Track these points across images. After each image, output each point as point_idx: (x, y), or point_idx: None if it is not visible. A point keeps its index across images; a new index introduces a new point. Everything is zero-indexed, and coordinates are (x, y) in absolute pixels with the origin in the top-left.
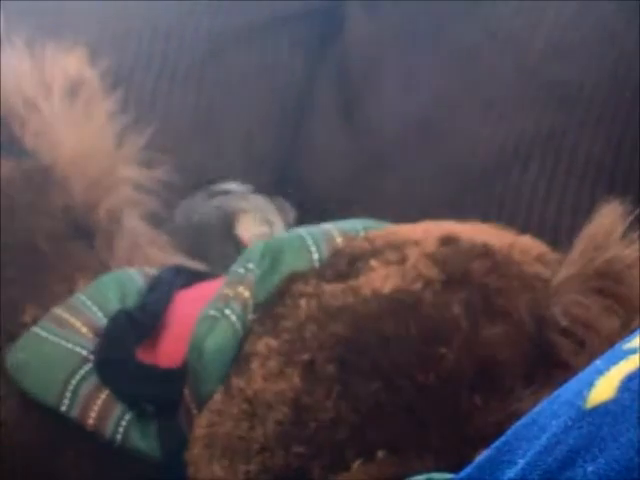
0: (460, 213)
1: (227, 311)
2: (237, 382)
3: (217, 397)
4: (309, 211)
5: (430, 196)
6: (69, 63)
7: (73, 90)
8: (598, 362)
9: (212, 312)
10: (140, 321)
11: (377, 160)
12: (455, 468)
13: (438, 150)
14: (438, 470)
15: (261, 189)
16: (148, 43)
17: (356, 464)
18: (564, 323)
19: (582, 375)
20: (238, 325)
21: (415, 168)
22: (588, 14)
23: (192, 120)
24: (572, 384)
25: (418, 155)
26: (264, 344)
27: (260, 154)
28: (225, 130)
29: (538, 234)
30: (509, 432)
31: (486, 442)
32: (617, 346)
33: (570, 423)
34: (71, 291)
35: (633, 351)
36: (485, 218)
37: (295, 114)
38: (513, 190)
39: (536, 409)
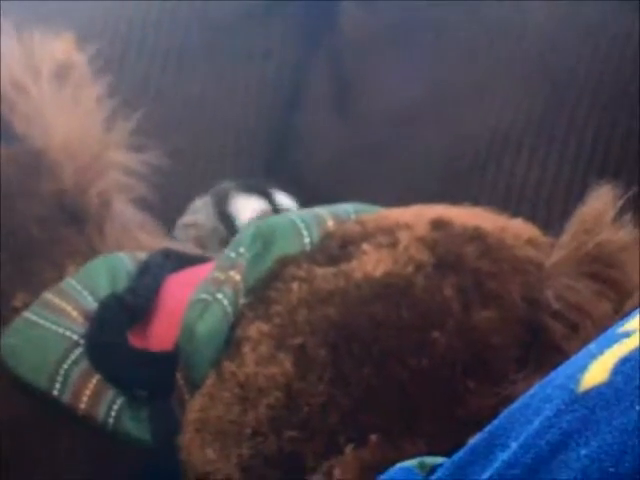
0: (452, 200)
1: (219, 295)
2: (229, 366)
3: (209, 381)
4: (301, 199)
5: (422, 184)
6: (57, 47)
7: (62, 74)
8: (592, 346)
9: (203, 296)
10: (131, 305)
11: (369, 148)
12: (448, 452)
13: (430, 138)
14: (431, 454)
15: (252, 176)
16: (140, 29)
17: (349, 448)
18: (556, 307)
19: (575, 359)
20: (230, 309)
21: (407, 156)
22: (581, 2)
23: (183, 107)
24: (565, 368)
25: (410, 143)
26: (256, 328)
27: (252, 141)
28: (217, 118)
29: (530, 221)
30: (502, 415)
31: (479, 426)
32: (610, 330)
33: (563, 406)
34: (62, 276)
35: (626, 334)
36: (477, 205)
37: (288, 102)
38: (505, 177)
39: (529, 393)
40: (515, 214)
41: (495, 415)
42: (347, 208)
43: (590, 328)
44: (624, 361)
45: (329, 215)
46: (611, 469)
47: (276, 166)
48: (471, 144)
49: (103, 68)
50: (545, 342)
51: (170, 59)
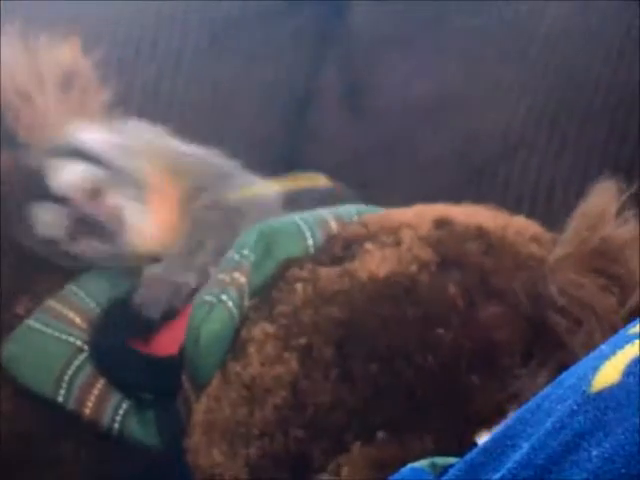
0: (465, 198)
1: (223, 297)
2: (234, 367)
3: (215, 383)
4: None
5: (435, 181)
6: (63, 53)
7: (67, 81)
8: (603, 347)
9: (208, 298)
10: (133, 310)
11: (382, 145)
12: (455, 449)
13: (442, 136)
14: (438, 450)
15: (265, 175)
16: (152, 30)
17: (356, 446)
18: (560, 302)
19: (587, 359)
20: (235, 311)
21: (420, 154)
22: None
23: (196, 106)
24: (577, 368)
25: (423, 141)
26: (260, 329)
27: (265, 140)
28: (229, 116)
29: (544, 220)
30: (514, 417)
31: (486, 422)
32: (622, 331)
33: (575, 407)
34: (64, 283)
35: (638, 336)
36: (490, 203)
37: (300, 99)
38: (518, 175)
39: (541, 394)
40: (529, 214)
41: (501, 411)
42: (350, 210)
43: (594, 323)
44: (636, 362)
45: (332, 217)
46: (622, 470)
47: (290, 164)
48: (484, 142)
49: (115, 70)
50: (549, 337)
51: (182, 60)
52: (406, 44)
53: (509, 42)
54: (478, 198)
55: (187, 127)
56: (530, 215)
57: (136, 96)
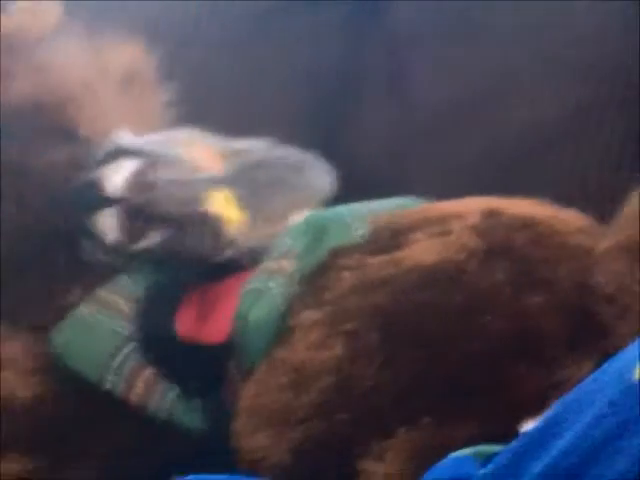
0: (503, 189)
1: (271, 284)
2: (280, 353)
3: (261, 368)
4: (354, 184)
5: (474, 171)
6: (126, 51)
7: (128, 80)
8: None
9: (256, 285)
10: (171, 292)
11: (418, 137)
12: (499, 436)
13: (476, 130)
14: (482, 438)
15: None
16: (193, 19)
17: (400, 432)
18: (607, 291)
19: (630, 348)
20: (282, 298)
21: (453, 147)
22: None
23: (237, 93)
24: (621, 357)
25: (457, 134)
26: (307, 316)
27: (306, 127)
28: (270, 104)
29: (582, 212)
30: (557, 405)
31: (530, 410)
32: None
33: (618, 396)
34: (115, 272)
35: None
36: (531, 194)
37: (338, 89)
38: (559, 167)
39: (584, 382)
40: (568, 202)
41: (546, 399)
42: (398, 202)
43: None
44: None
45: (378, 209)
46: None
47: (332, 148)
48: (517, 138)
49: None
50: (594, 326)
51: (224, 48)
52: (449, 30)
53: (542, 39)
54: (517, 188)
55: (228, 115)
56: (570, 201)
57: (178, 84)
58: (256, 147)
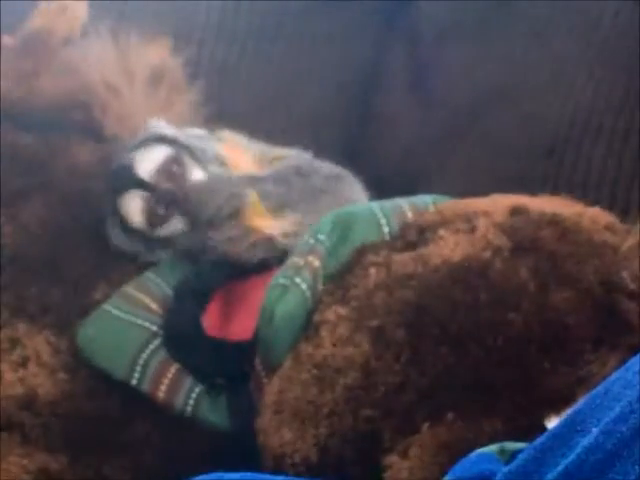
0: (531, 183)
1: (297, 279)
2: (306, 348)
3: (286, 364)
4: (379, 179)
5: (500, 167)
6: (153, 52)
7: (156, 79)
8: None
9: (282, 280)
10: (200, 290)
11: (447, 130)
12: (524, 431)
13: (508, 122)
14: (507, 433)
15: (330, 159)
16: (218, 13)
17: (425, 427)
18: (632, 287)
19: None
20: (308, 294)
21: (485, 139)
22: None
23: (261, 91)
24: None
25: (488, 125)
26: (333, 312)
27: (331, 121)
28: (295, 101)
29: (610, 203)
30: (583, 402)
31: (555, 406)
32: None
33: None
34: (141, 270)
35: None
36: (555, 191)
37: (366, 83)
38: (584, 162)
39: (610, 378)
40: (594, 198)
41: (571, 395)
42: (425, 199)
43: None
44: None
45: (408, 205)
46: None
47: (355, 146)
48: (549, 128)
49: (182, 52)
50: (620, 323)
51: (249, 42)
52: (472, 29)
53: (575, 26)
54: (544, 184)
55: (253, 110)
56: (596, 198)
57: (202, 78)
58: (293, 155)
